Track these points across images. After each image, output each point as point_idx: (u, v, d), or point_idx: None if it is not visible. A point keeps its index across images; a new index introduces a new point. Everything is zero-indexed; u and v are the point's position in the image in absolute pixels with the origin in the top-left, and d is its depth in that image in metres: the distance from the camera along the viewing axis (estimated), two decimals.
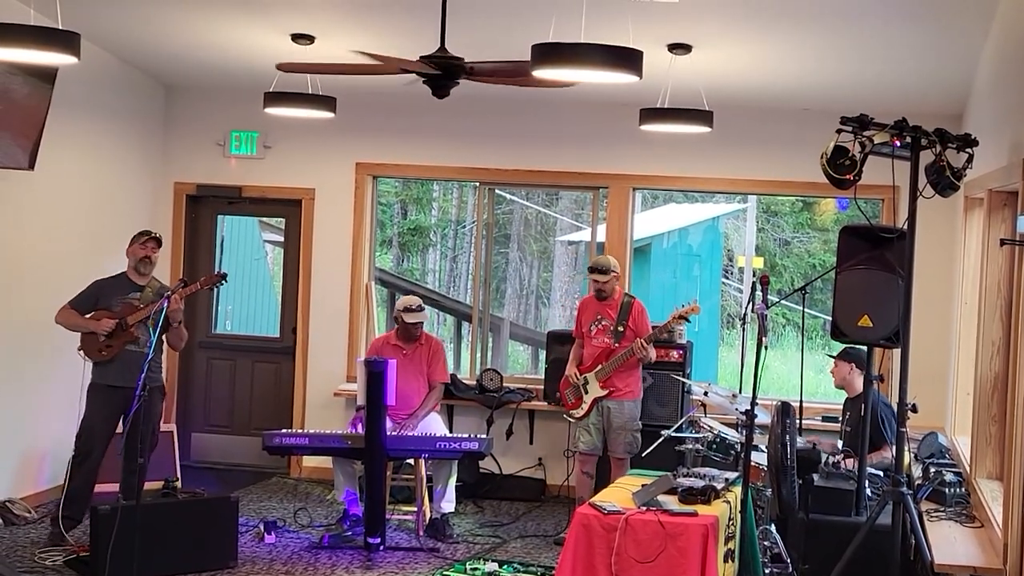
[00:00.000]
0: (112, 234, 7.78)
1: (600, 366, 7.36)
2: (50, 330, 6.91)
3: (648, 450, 6.94)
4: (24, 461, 7.65)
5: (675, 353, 8.02)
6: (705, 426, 6.89)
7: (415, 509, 7.30)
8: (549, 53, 4.75)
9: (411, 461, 7.31)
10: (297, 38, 7.20)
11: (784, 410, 5.62)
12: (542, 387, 8.58)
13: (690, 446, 6.76)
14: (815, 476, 6.01)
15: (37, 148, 7.18)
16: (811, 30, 6.63)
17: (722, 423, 7.05)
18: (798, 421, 6.20)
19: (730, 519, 5.59)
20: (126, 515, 5.76)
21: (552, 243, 16.97)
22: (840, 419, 7.05)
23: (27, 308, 7.43)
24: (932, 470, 5.99)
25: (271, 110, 7.27)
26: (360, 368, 7.15)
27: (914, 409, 5.05)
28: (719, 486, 5.67)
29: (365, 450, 6.90)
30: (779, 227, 17.77)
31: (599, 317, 7.45)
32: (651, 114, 7.05)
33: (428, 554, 6.93)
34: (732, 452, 6.63)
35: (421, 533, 7.19)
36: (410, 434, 7.27)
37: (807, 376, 6.96)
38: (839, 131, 4.90)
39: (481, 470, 8.57)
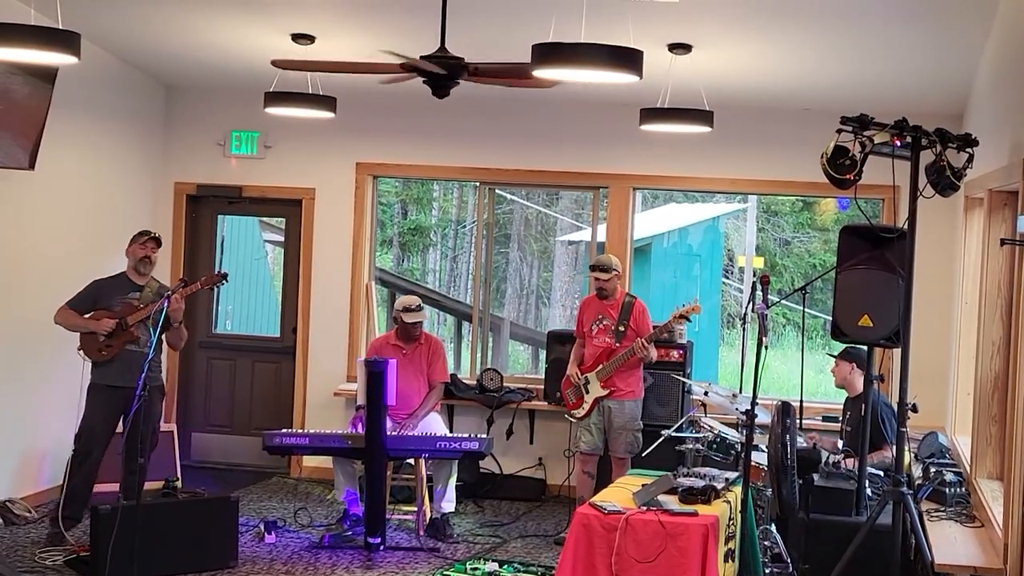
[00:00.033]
0: (112, 234, 7.77)
1: (601, 366, 7.36)
2: (50, 330, 6.90)
3: (648, 450, 6.95)
4: (24, 461, 7.65)
5: (675, 353, 8.02)
6: (705, 426, 6.89)
7: (415, 509, 7.30)
8: (549, 53, 4.75)
9: (411, 461, 7.30)
10: (297, 38, 7.20)
11: (784, 410, 5.62)
12: (542, 387, 8.59)
13: (690, 446, 6.76)
14: (815, 476, 6.01)
15: (37, 148, 7.18)
16: (811, 30, 6.63)
17: (722, 423, 7.05)
18: (798, 421, 6.21)
19: (730, 519, 5.58)
20: (126, 515, 5.75)
21: (552, 243, 16.95)
22: (840, 419, 7.05)
23: (27, 308, 7.42)
24: (932, 470, 5.99)
25: (271, 110, 7.27)
26: (360, 368, 7.15)
27: (914, 409, 5.05)
28: (719, 486, 5.67)
29: (365, 450, 6.90)
30: (779, 227, 17.76)
31: (600, 317, 7.44)
32: (651, 114, 7.05)
33: (428, 554, 6.93)
34: (732, 452, 6.63)
35: (421, 533, 7.18)
36: (410, 434, 7.27)
37: (807, 376, 6.96)
38: (839, 131, 4.90)
39: (481, 470, 8.56)
